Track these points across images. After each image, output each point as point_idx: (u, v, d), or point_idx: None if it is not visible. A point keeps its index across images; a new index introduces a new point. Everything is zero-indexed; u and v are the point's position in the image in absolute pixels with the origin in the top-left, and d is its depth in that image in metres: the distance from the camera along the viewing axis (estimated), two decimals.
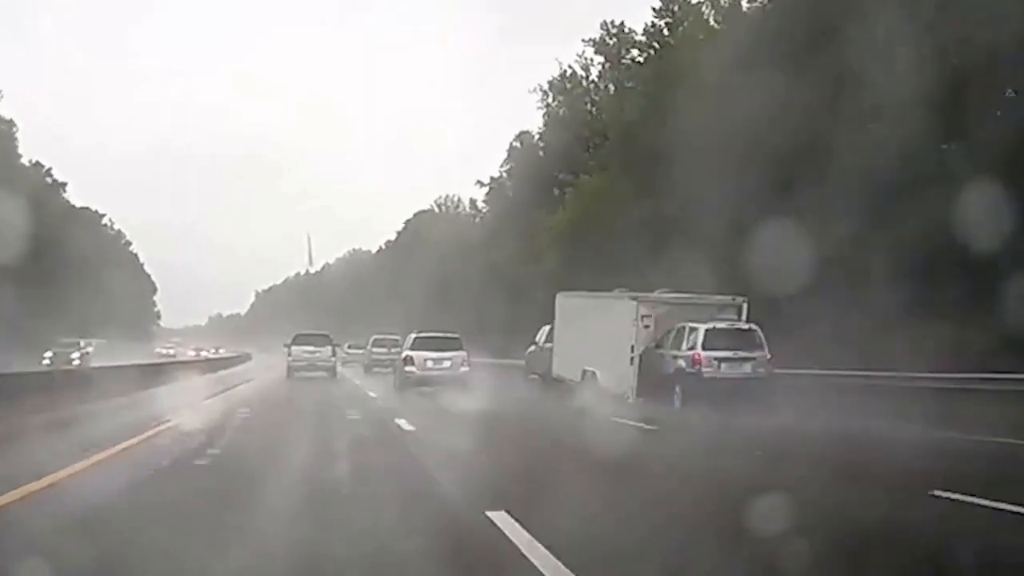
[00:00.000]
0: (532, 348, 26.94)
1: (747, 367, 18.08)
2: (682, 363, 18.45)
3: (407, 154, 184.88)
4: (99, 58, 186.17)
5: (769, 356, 18.10)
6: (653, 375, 19.29)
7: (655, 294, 20.65)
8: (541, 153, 52.42)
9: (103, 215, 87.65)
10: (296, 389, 26.32)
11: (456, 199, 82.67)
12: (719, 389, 17.42)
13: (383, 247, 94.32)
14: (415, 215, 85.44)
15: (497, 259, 48.36)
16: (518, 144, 57.29)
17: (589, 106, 48.73)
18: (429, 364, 25.25)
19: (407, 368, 25.36)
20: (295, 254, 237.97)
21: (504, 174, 59.31)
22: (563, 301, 24.17)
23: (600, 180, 39.32)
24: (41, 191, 58.24)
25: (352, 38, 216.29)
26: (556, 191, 46.64)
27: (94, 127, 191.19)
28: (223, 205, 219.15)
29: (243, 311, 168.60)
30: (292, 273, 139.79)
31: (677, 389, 18.34)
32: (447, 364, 25.12)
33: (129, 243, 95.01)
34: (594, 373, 21.14)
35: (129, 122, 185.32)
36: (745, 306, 19.76)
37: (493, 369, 31.14)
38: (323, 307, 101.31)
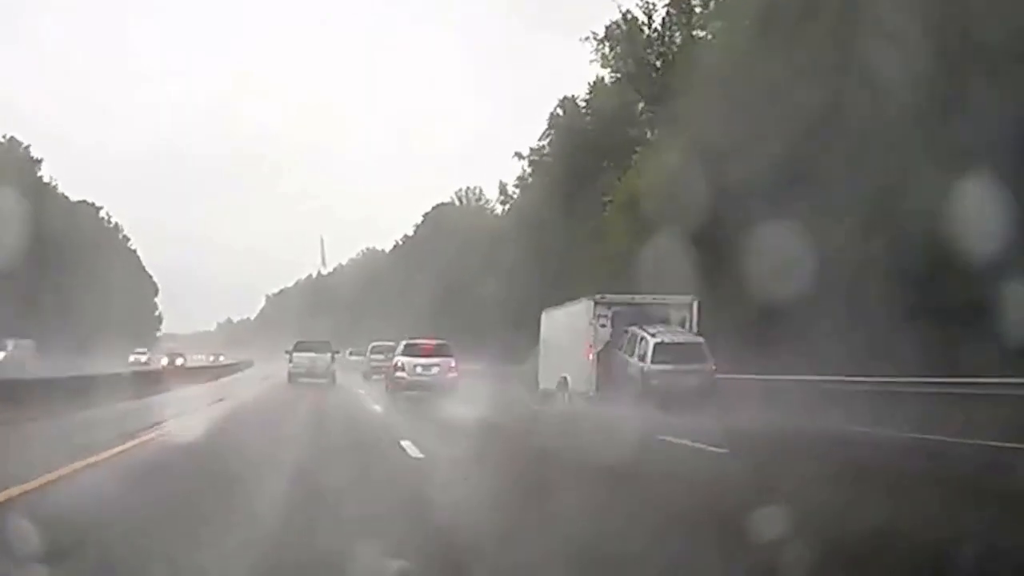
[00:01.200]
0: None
1: (691, 379, 19.77)
2: (632, 370, 20.45)
3: (413, 152, 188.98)
4: (99, 58, 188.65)
5: (713, 367, 20.06)
6: (610, 373, 21.14)
7: (611, 296, 22.37)
8: (588, 118, 47.77)
9: (99, 207, 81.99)
10: (287, 407, 21.90)
11: (478, 190, 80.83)
12: (665, 394, 19.31)
13: (399, 242, 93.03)
14: (434, 208, 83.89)
15: (540, 242, 44.27)
16: (560, 112, 51.86)
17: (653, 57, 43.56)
18: (418, 370, 25.97)
19: (397, 374, 26.16)
20: (305, 256, 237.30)
21: (545, 146, 53.81)
22: (545, 316, 25.84)
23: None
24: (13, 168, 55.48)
25: (355, 35, 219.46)
26: (606, 163, 42.65)
27: (97, 127, 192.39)
28: (227, 207, 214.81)
29: (253, 315, 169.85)
30: (304, 276, 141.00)
31: (631, 391, 20.13)
32: (435, 370, 25.87)
33: (127, 238, 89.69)
34: (566, 378, 22.95)
35: (130, 122, 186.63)
36: (695, 305, 21.62)
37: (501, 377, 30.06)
38: (335, 309, 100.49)
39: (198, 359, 66.06)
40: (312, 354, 34.81)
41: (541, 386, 25.27)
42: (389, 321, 67.75)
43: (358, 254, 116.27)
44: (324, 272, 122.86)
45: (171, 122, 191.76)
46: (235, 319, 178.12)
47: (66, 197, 70.79)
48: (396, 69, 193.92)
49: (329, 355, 35.14)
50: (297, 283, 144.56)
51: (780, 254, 20.99)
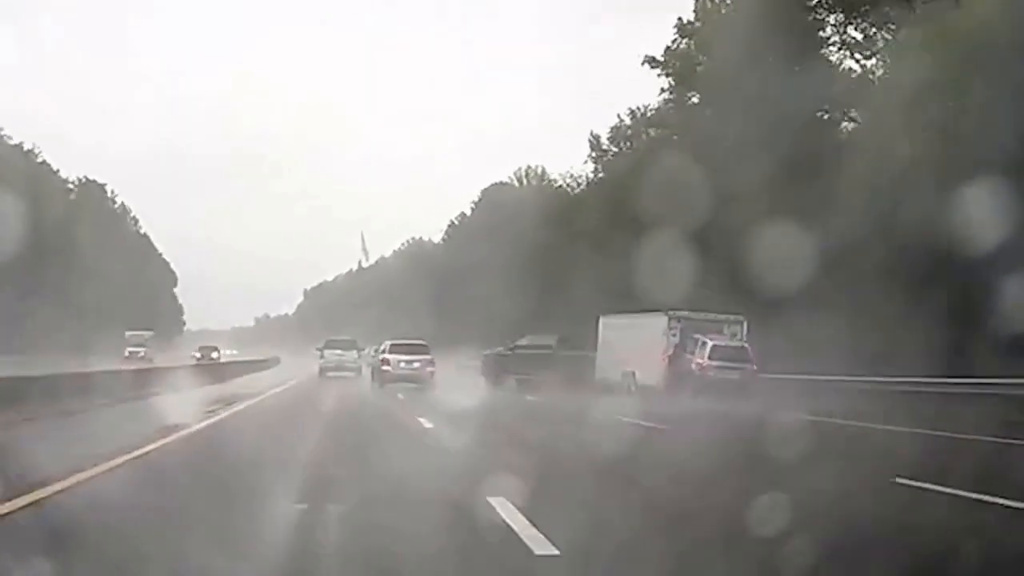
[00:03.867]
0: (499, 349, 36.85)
1: (737, 375, 26.44)
2: (694, 367, 27.27)
3: (450, 146, 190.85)
4: (99, 58, 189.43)
5: (755, 367, 26.90)
6: (679, 371, 27.94)
7: (680, 311, 28.81)
8: None
9: (103, 184, 73.06)
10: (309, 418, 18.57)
11: (539, 169, 76.76)
12: (715, 386, 25.69)
13: (455, 221, 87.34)
14: (490, 187, 79.51)
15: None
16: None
17: None
18: (402, 365, 32.19)
19: (384, 367, 32.58)
20: (345, 251, 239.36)
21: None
22: (604, 321, 33.15)
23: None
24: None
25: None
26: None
27: (128, 128, 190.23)
28: (264, 203, 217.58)
29: (291, 311, 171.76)
30: (344, 270, 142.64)
31: (690, 384, 26.86)
32: (416, 365, 32.03)
33: (135, 220, 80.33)
34: (633, 373, 29.81)
35: (150, 121, 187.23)
36: (745, 323, 28.52)
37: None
38: (378, 303, 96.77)
39: (229, 354, 69.46)
40: (340, 351, 41.42)
41: (598, 376, 31.79)
42: (442, 313, 66.12)
43: (402, 245, 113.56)
44: (366, 265, 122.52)
45: (193, 120, 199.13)
46: (272, 315, 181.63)
47: (62, 177, 61.20)
48: (421, 59, 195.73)
49: (355, 352, 42.11)
50: (336, 277, 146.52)
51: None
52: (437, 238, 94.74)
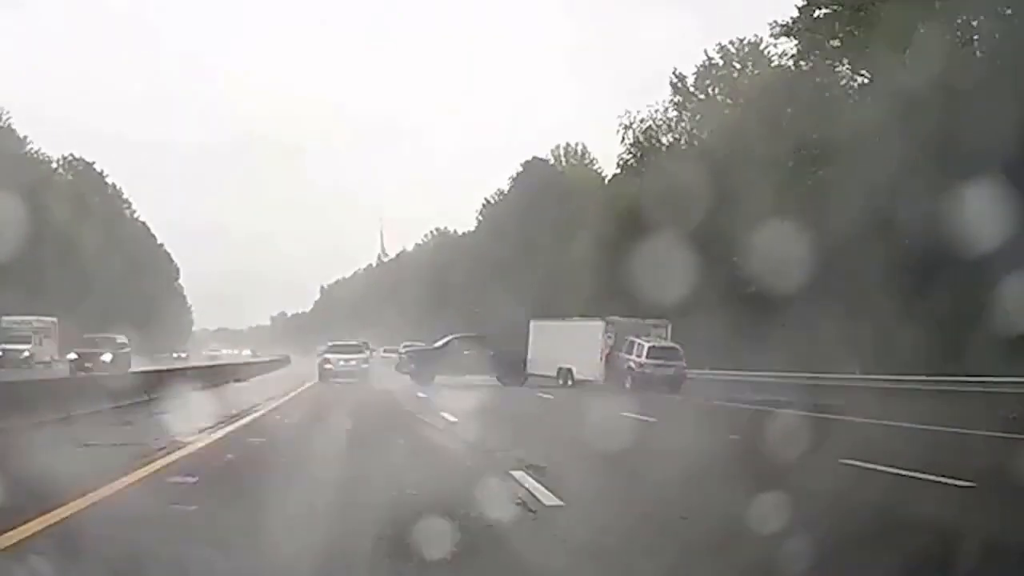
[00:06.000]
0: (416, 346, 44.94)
1: (670, 370, 31.27)
2: (632, 364, 32.29)
3: (471, 140, 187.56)
4: (104, 38, 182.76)
5: (685, 365, 31.97)
6: (613, 368, 33.18)
7: (613, 317, 34.43)
8: None
9: (91, 163, 66.92)
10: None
11: (580, 147, 73.36)
12: (652, 381, 30.54)
13: (490, 200, 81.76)
14: (526, 165, 73.81)
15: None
16: None
17: None
18: (340, 363, 37.90)
19: (326, 366, 38.16)
20: (364, 246, 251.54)
21: None
22: (536, 324, 38.10)
23: None
24: None
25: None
26: None
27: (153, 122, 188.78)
28: (276, 200, 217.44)
29: (308, 308, 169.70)
30: (362, 266, 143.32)
31: (628, 378, 31.95)
32: (353, 363, 38.12)
33: (128, 203, 74.60)
34: (570, 369, 34.87)
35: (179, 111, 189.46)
36: (669, 326, 33.34)
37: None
38: (399, 299, 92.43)
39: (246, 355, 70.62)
40: (346, 355, 40.69)
41: (530, 370, 36.51)
42: (476, 305, 60.81)
43: (425, 237, 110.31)
44: (385, 259, 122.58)
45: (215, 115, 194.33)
46: (289, 312, 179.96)
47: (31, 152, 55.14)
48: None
49: (361, 355, 41.65)
50: (355, 273, 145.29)
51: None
52: (462, 229, 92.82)
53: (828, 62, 33.92)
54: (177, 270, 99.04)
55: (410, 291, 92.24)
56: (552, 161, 74.60)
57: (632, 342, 32.79)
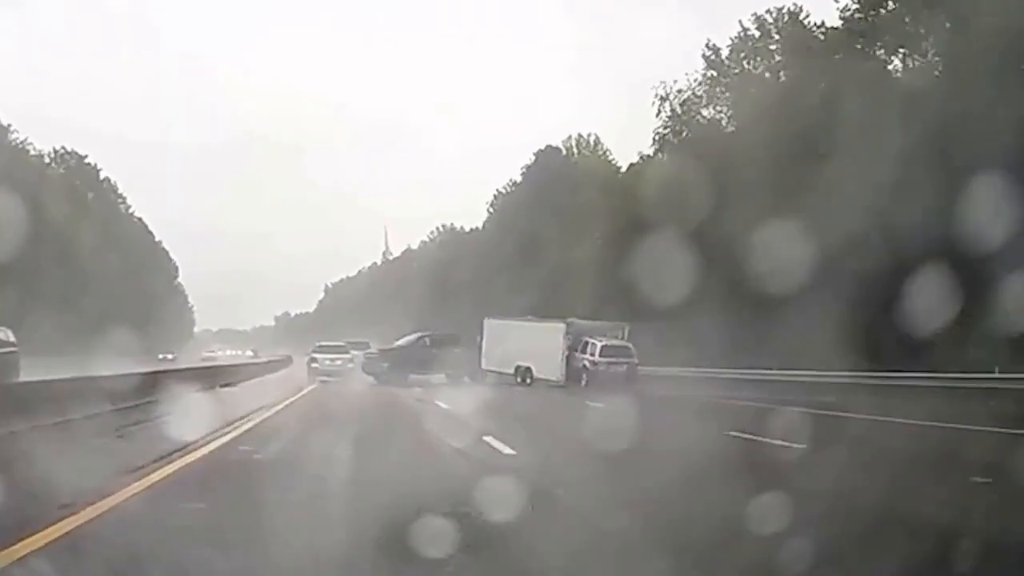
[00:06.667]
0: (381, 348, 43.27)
1: (622, 367, 33.33)
2: (587, 363, 34.66)
3: (475, 139, 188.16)
4: (104, 40, 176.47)
5: (637, 362, 34.15)
6: (571, 367, 35.48)
7: (573, 319, 36.87)
8: None
9: (83, 157, 65.75)
10: None
11: (593, 138, 70.99)
12: (606, 378, 32.39)
13: (501, 191, 79.57)
14: (539, 154, 71.41)
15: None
16: None
17: None
18: (326, 362, 40.84)
19: (312, 364, 41.06)
20: (368, 246, 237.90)
21: None
22: (490, 323, 39.72)
23: None
24: None
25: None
26: None
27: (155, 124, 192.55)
28: (280, 201, 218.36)
29: (312, 308, 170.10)
30: (366, 265, 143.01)
31: (584, 376, 34.28)
32: (339, 363, 40.90)
33: (122, 198, 73.30)
34: (529, 368, 36.93)
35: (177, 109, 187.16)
36: (626, 328, 35.50)
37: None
38: (404, 297, 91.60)
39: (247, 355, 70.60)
40: (333, 355, 42.81)
41: (485, 367, 38.60)
42: (481, 303, 56.68)
43: (430, 234, 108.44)
44: (389, 258, 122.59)
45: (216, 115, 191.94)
46: (293, 312, 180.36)
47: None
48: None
49: (347, 355, 43.22)
50: (359, 272, 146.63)
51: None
52: (469, 226, 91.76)
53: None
54: (176, 268, 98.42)
55: (415, 289, 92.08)
56: (564, 152, 72.30)
57: (587, 342, 35.10)
